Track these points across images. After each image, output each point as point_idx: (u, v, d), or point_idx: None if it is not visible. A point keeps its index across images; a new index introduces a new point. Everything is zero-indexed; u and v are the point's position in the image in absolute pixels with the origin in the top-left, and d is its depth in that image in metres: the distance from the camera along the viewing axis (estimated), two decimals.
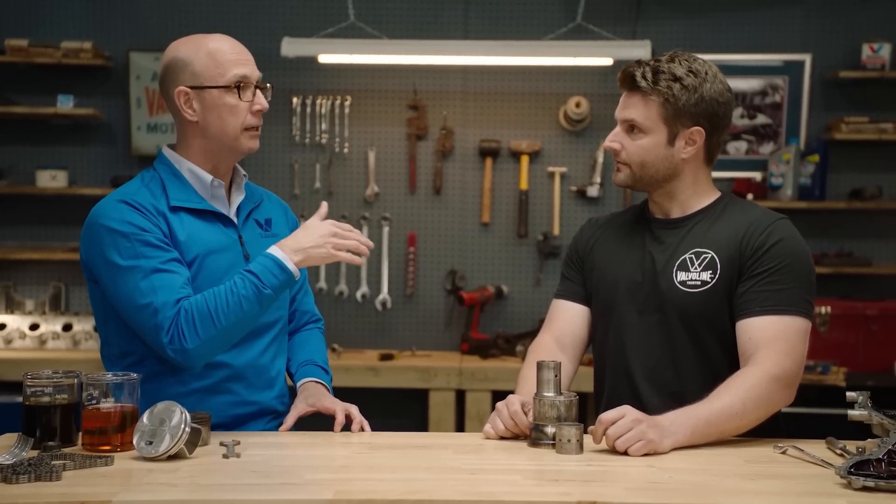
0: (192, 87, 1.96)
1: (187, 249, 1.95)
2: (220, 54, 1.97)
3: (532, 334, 4.37)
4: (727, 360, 1.99)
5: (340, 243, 1.92)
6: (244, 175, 2.10)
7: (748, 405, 1.85)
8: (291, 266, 1.91)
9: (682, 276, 2.01)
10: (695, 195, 2.07)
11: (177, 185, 2.00)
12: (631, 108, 2.02)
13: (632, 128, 2.02)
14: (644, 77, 1.99)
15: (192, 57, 1.97)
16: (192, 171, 2.02)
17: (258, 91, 2.00)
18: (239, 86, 1.97)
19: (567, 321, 2.17)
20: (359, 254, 1.95)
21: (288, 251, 1.91)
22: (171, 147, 2.06)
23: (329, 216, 2.01)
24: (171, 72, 1.99)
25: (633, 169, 2.04)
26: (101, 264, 1.92)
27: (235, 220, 2.05)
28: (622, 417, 1.77)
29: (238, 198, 2.08)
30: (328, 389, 2.14)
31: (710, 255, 2.00)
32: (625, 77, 2.03)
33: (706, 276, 1.99)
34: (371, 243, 1.98)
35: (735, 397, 1.85)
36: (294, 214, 2.26)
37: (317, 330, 2.27)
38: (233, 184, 2.08)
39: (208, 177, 2.01)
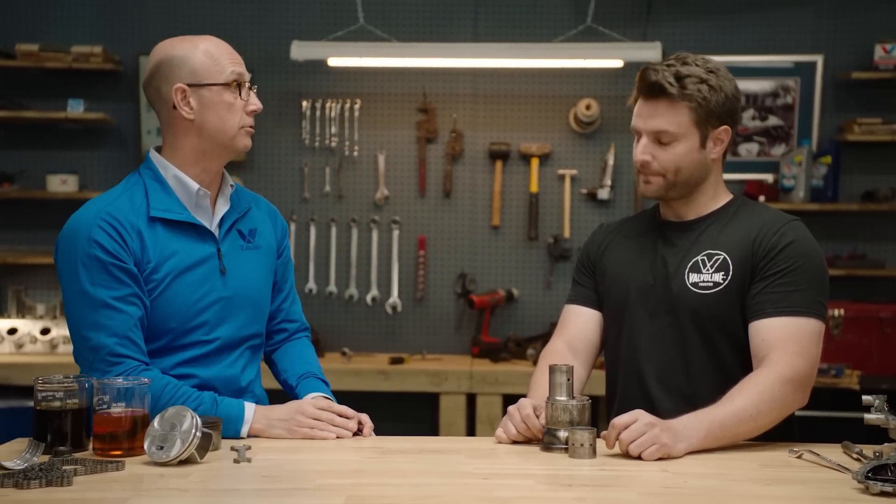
0: (190, 85, 1.95)
1: (159, 267, 1.93)
2: (216, 53, 1.97)
3: (543, 337, 4.36)
4: (739, 363, 1.98)
5: (304, 420, 1.95)
6: (231, 185, 2.07)
7: (762, 408, 1.84)
8: (244, 430, 1.93)
9: (694, 277, 2.00)
10: (713, 197, 2.07)
11: (160, 192, 1.97)
12: (658, 116, 1.97)
13: (660, 137, 1.98)
14: (671, 84, 1.94)
15: (189, 55, 1.96)
16: (177, 178, 1.98)
17: (251, 92, 2.01)
18: (238, 84, 1.98)
19: (579, 326, 2.16)
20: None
21: (259, 415, 1.94)
22: (158, 150, 2.03)
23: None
24: (164, 69, 1.96)
25: (668, 177, 2.00)
26: (63, 276, 1.93)
27: (217, 232, 2.02)
28: (635, 422, 1.75)
29: (223, 209, 2.04)
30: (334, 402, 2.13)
31: (722, 257, 1.99)
32: (651, 86, 1.96)
33: (718, 277, 1.98)
34: (344, 432, 1.96)
35: (748, 400, 1.84)
36: (284, 219, 2.22)
37: (306, 339, 2.25)
38: (218, 194, 2.05)
39: (194, 185, 1.98)
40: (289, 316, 2.21)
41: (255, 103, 2.00)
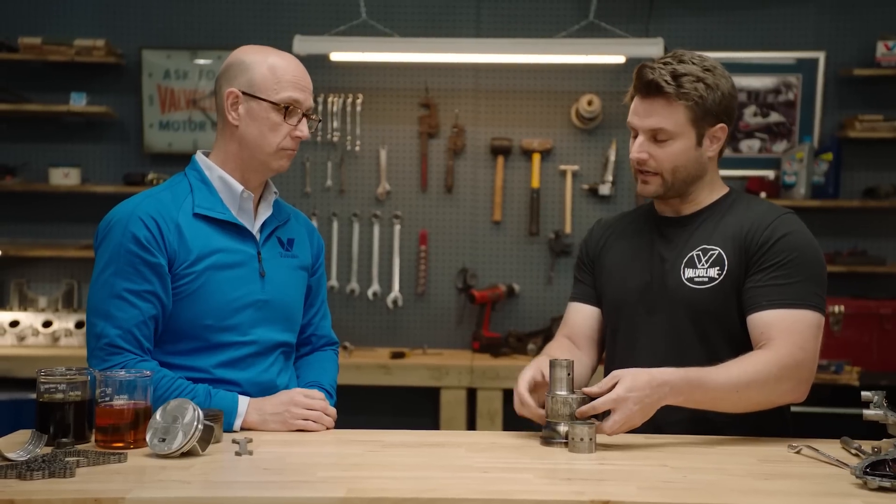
0: (243, 93, 1.97)
1: (199, 260, 1.95)
2: (281, 72, 1.98)
3: (543, 332, 4.37)
4: (735, 358, 1.98)
5: (297, 412, 1.95)
6: (275, 192, 2.10)
7: (752, 386, 1.86)
8: (237, 423, 1.93)
9: (689, 272, 2.01)
10: (709, 193, 2.07)
11: (204, 192, 2.00)
12: (655, 115, 1.98)
13: (657, 135, 1.99)
14: (668, 82, 1.95)
15: (255, 64, 1.98)
16: (222, 179, 2.02)
17: (304, 119, 2.01)
18: (288, 108, 1.98)
19: (580, 323, 2.17)
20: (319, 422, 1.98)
21: (252, 408, 1.94)
22: (206, 155, 2.07)
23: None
24: (229, 71, 2.00)
25: (665, 177, 2.01)
26: (95, 262, 1.97)
27: (258, 235, 2.05)
28: (615, 402, 1.77)
29: (265, 213, 2.07)
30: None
31: (717, 252, 2.00)
32: (648, 84, 1.97)
33: (713, 272, 1.99)
34: (331, 422, 1.99)
35: (741, 374, 1.86)
36: (321, 236, 2.25)
37: (331, 352, 2.26)
38: (262, 199, 2.08)
39: (239, 187, 2.01)
40: (317, 330, 2.23)
41: (303, 132, 2.00)
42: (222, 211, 2.00)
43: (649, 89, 1.97)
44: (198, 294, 1.95)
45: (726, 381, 1.85)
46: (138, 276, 1.91)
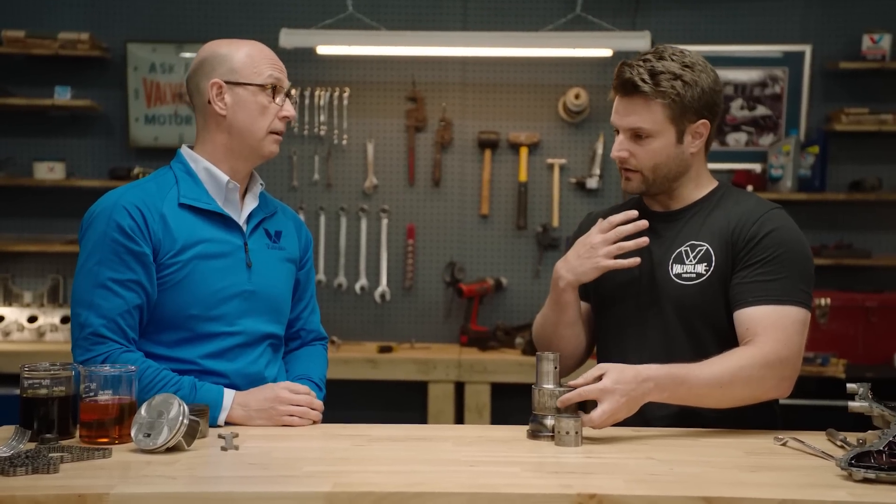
0: (227, 82, 1.98)
1: (185, 249, 1.95)
2: (258, 56, 2.01)
3: (531, 326, 4.36)
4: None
5: (283, 409, 1.94)
6: (261, 184, 2.10)
7: (735, 382, 1.86)
8: (222, 417, 1.92)
9: (677, 268, 2.01)
10: (696, 187, 2.07)
11: (189, 183, 2.00)
12: (634, 114, 1.99)
13: (637, 134, 1.99)
14: (644, 81, 1.95)
15: (232, 54, 2.00)
16: (207, 170, 2.01)
17: (287, 99, 2.03)
18: (274, 88, 2.00)
19: None
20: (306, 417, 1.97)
21: (237, 403, 1.93)
22: (191, 148, 2.06)
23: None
24: (206, 65, 2.01)
25: (646, 174, 2.02)
26: (80, 253, 1.96)
27: (244, 226, 2.04)
28: (601, 392, 1.77)
29: (251, 204, 2.07)
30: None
31: (704, 248, 2.00)
32: (624, 83, 1.98)
33: (701, 268, 1.99)
34: (318, 416, 1.98)
35: (724, 370, 1.86)
36: (308, 230, 2.24)
37: (320, 346, 2.25)
38: (248, 191, 2.08)
39: (224, 177, 2.01)
40: (306, 325, 2.22)
41: (289, 110, 2.03)
42: (208, 201, 2.00)
43: (626, 88, 1.98)
44: (183, 284, 1.95)
45: (710, 378, 1.85)
46: (122, 266, 1.90)
